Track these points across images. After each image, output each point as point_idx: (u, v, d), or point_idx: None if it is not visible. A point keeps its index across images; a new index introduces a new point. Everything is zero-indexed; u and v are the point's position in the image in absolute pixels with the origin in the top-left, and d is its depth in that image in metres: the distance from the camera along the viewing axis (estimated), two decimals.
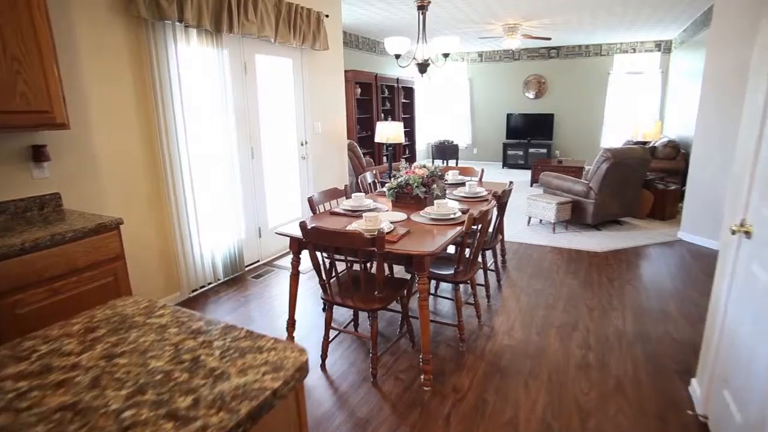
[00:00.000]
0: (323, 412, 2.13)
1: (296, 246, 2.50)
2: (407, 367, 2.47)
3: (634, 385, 2.29)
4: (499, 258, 4.05)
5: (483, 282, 3.32)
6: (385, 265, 3.06)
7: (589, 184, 4.88)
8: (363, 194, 2.94)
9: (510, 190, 3.29)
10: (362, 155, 6.21)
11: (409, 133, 9.14)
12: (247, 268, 3.92)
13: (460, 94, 10.41)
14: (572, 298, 3.31)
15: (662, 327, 2.89)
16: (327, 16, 4.37)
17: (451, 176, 3.87)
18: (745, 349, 1.62)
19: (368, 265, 3.03)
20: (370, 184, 3.73)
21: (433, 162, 10.04)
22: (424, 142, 10.55)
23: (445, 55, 4.01)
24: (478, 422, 2.04)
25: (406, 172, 3.05)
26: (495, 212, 3.13)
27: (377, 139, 5.32)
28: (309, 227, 2.17)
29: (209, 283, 3.53)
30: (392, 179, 3.06)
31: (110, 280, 2.22)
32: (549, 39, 7.31)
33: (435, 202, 2.69)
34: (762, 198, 1.59)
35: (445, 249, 2.32)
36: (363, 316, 2.93)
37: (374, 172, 3.95)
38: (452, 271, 2.58)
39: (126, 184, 2.86)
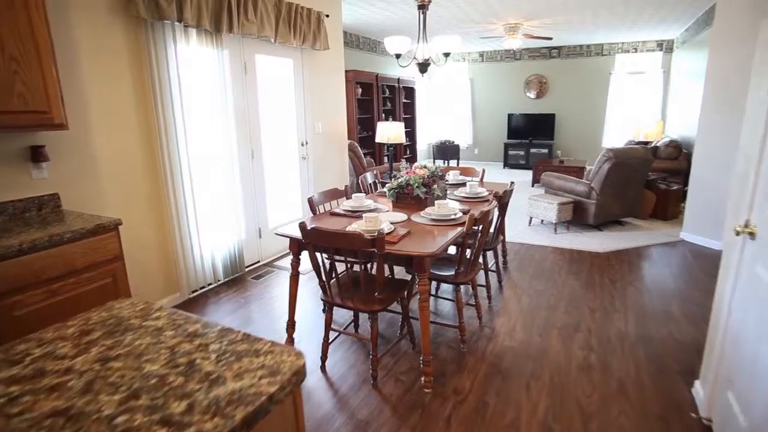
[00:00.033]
0: (323, 414, 2.12)
1: (296, 247, 2.49)
2: (408, 368, 2.45)
3: (636, 387, 2.27)
4: (501, 259, 4.03)
5: (484, 283, 3.30)
6: (386, 266, 3.05)
7: (591, 184, 4.86)
8: (363, 195, 2.92)
9: (511, 191, 3.27)
10: (363, 155, 6.20)
11: (410, 134, 9.12)
12: (247, 269, 3.91)
13: (461, 94, 10.39)
14: (574, 299, 3.28)
15: (665, 328, 2.87)
16: (327, 15, 4.35)
17: (452, 176, 3.85)
18: (750, 350, 1.60)
19: (368, 266, 3.02)
20: (370, 184, 3.72)
21: (434, 162, 10.03)
22: (425, 142, 10.53)
23: (446, 55, 3.99)
24: (479, 425, 2.02)
25: (407, 173, 3.03)
26: (496, 213, 3.11)
27: (378, 139, 5.30)
28: (308, 228, 2.15)
29: (209, 284, 3.52)
30: (393, 179, 3.04)
31: (109, 282, 2.21)
32: (550, 39, 7.29)
33: (436, 202, 2.67)
34: (767, 198, 1.57)
35: (446, 250, 2.30)
36: (363, 317, 2.91)
37: (375, 172, 3.93)
38: (453, 272, 2.56)
39: (126, 184, 2.84)
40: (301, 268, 2.58)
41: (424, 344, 2.25)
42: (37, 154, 2.33)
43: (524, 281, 3.63)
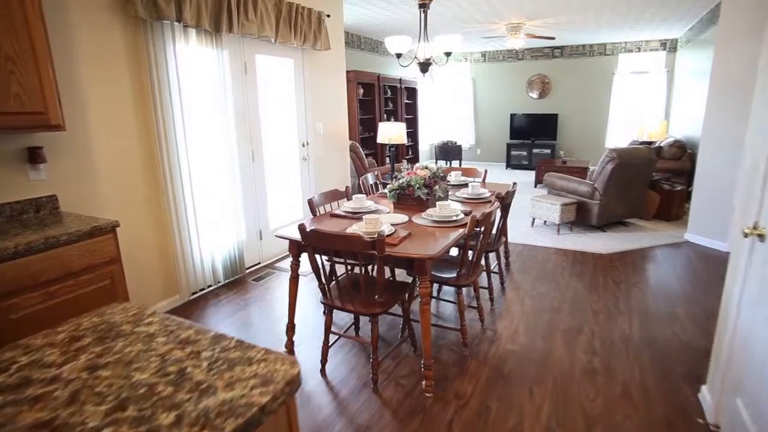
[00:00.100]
0: (323, 419, 2.08)
1: (295, 249, 2.46)
2: (408, 372, 2.42)
3: (641, 392, 2.23)
4: (503, 260, 3.99)
5: (486, 285, 3.26)
6: (387, 269, 3.02)
7: (594, 184, 4.81)
8: (364, 196, 2.89)
9: (513, 192, 3.23)
10: (364, 156, 6.17)
11: (412, 134, 9.09)
12: (247, 271, 3.88)
13: (463, 95, 10.35)
14: (577, 301, 3.24)
15: (670, 331, 2.82)
16: (328, 15, 4.33)
17: (454, 177, 3.82)
18: (760, 355, 1.56)
19: (369, 268, 2.98)
20: (371, 185, 3.69)
21: (436, 163, 9.99)
22: (427, 142, 10.50)
23: (448, 54, 3.96)
24: (480, 430, 1.98)
25: (408, 173, 3.00)
26: (498, 214, 3.07)
27: (379, 139, 5.27)
28: (308, 230, 2.12)
29: (209, 286, 3.50)
30: (394, 180, 3.01)
31: (107, 284, 2.19)
32: (553, 38, 7.24)
33: (437, 203, 2.64)
34: None
35: (448, 252, 2.27)
36: (364, 319, 2.88)
37: (376, 173, 3.90)
38: (455, 275, 2.52)
39: (125, 185, 2.82)
40: (301, 270, 2.55)
41: (425, 347, 2.21)
42: (34, 156, 2.31)
43: (527, 283, 3.59)
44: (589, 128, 9.31)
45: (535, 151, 9.39)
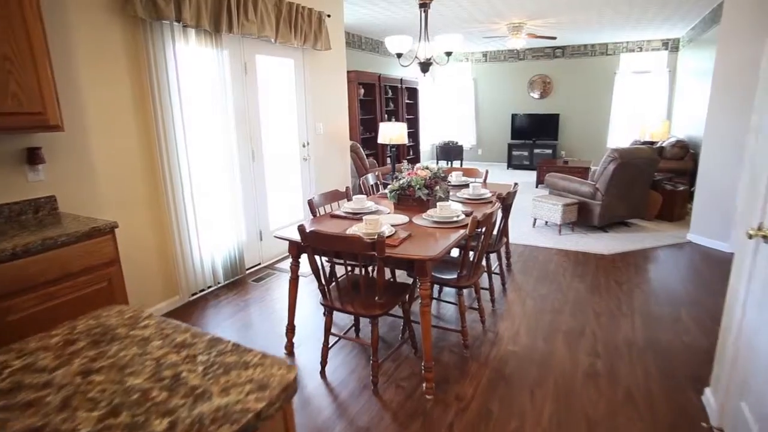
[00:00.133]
0: (323, 421, 2.07)
1: (295, 250, 2.45)
2: (409, 374, 2.40)
3: (644, 394, 2.21)
4: (504, 261, 3.97)
5: (487, 286, 3.24)
6: (387, 270, 3.00)
7: (596, 185, 4.79)
8: (364, 196, 2.88)
9: (515, 192, 3.21)
10: (365, 156, 6.15)
11: (413, 134, 9.07)
12: (248, 271, 3.87)
13: (464, 95, 10.33)
14: (579, 303, 3.22)
15: (673, 333, 2.80)
16: (329, 15, 4.31)
17: (455, 178, 3.80)
18: (765, 356, 1.53)
19: (369, 269, 2.97)
20: (372, 185, 3.67)
21: (437, 163, 9.97)
22: (428, 142, 10.48)
23: (448, 54, 3.94)
24: None
25: (409, 174, 2.99)
26: (499, 214, 3.05)
27: (380, 140, 5.26)
28: (307, 231, 2.11)
29: (209, 287, 3.48)
30: (394, 181, 2.99)
31: (105, 285, 2.17)
32: (554, 38, 7.22)
33: (438, 204, 2.62)
34: None
35: (448, 253, 2.25)
36: (364, 320, 2.87)
37: (377, 173, 3.89)
38: (455, 276, 2.51)
39: (124, 186, 2.81)
40: (301, 271, 2.54)
41: (425, 349, 2.20)
42: (33, 156, 2.30)
43: (528, 284, 3.57)
44: (591, 128, 9.28)
45: (537, 151, 9.36)
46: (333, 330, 2.44)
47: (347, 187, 3.14)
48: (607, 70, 8.90)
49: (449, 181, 3.61)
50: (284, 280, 3.72)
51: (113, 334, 1.03)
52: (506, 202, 3.10)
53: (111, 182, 2.73)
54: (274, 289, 3.55)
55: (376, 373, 2.28)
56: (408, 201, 2.91)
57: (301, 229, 2.13)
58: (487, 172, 3.93)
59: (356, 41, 7.50)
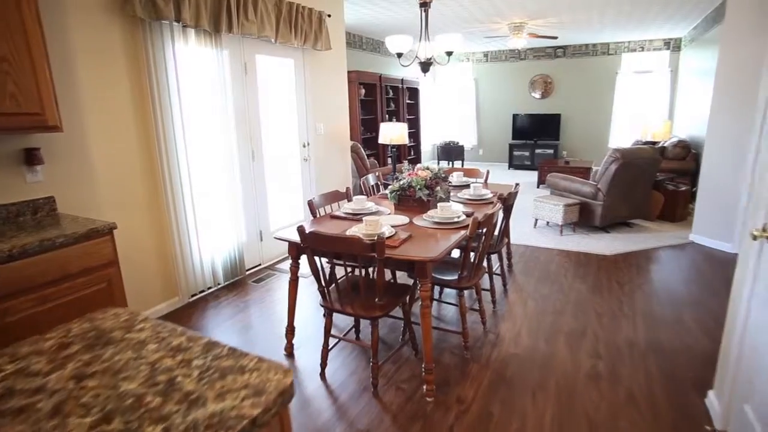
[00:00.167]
0: (322, 423, 2.05)
1: (295, 251, 2.44)
2: (409, 376, 2.38)
3: (646, 397, 2.19)
4: (505, 262, 3.95)
5: (488, 287, 3.22)
6: (387, 271, 2.98)
7: (598, 185, 4.77)
8: (364, 197, 2.86)
9: (516, 193, 3.19)
10: (366, 157, 6.14)
11: (414, 134, 9.05)
12: (248, 272, 3.86)
13: (465, 95, 10.31)
14: (581, 304, 3.20)
15: (675, 334, 2.78)
16: (329, 15, 4.30)
17: (456, 178, 3.78)
18: None
19: (369, 270, 2.95)
20: (372, 186, 3.66)
21: (438, 163, 9.95)
22: (429, 143, 10.46)
23: (449, 54, 3.92)
24: None
25: (409, 174, 2.97)
26: (501, 215, 3.03)
27: (381, 140, 5.24)
28: (307, 232, 2.09)
29: (209, 288, 3.47)
30: (395, 181, 2.98)
31: (104, 287, 2.16)
32: (555, 38, 7.19)
33: (438, 205, 2.60)
34: None
35: (449, 254, 2.24)
36: (364, 322, 2.85)
37: (377, 174, 3.87)
38: (456, 277, 2.49)
39: (123, 186, 2.80)
40: (301, 272, 2.52)
41: (426, 351, 2.18)
42: (31, 157, 2.29)
43: (530, 285, 3.55)
44: (592, 128, 9.25)
45: (538, 151, 9.34)
46: (333, 331, 2.43)
47: (348, 188, 3.12)
48: (608, 69, 8.88)
49: (450, 182, 3.59)
50: (285, 281, 3.70)
51: (108, 338, 1.01)
52: (507, 202, 3.08)
53: (110, 183, 2.72)
54: (275, 290, 3.54)
55: (376, 375, 2.26)
56: (408, 202, 2.90)
57: (300, 230, 2.12)
58: (488, 172, 3.91)
59: (357, 41, 7.49)
